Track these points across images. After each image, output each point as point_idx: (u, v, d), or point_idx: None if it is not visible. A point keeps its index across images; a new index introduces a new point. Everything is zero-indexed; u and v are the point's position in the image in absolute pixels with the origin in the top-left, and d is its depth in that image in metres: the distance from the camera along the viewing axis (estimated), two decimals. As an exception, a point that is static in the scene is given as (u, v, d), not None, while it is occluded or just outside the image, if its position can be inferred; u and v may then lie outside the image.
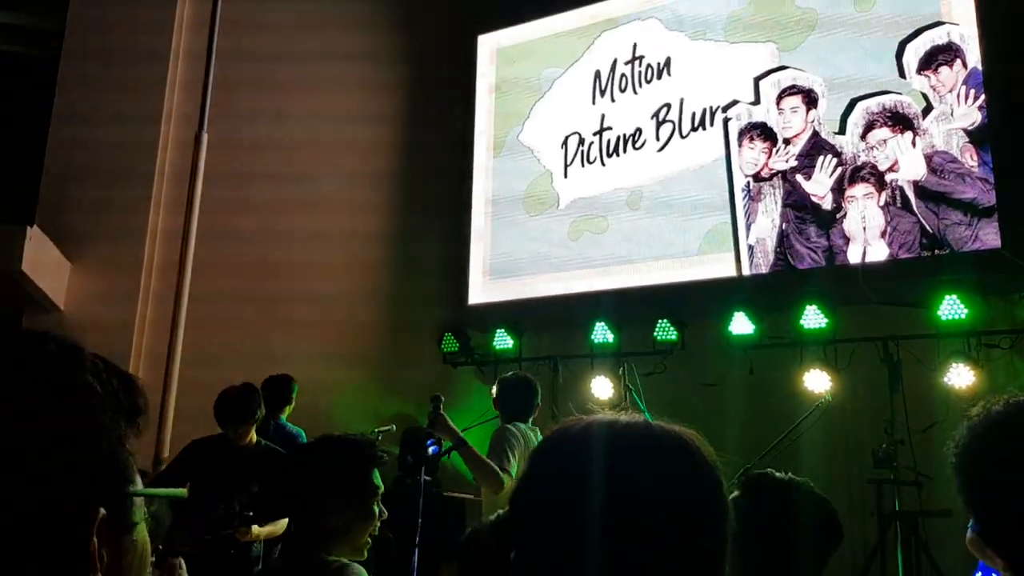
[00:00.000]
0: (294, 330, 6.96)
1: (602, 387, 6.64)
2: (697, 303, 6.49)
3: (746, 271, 6.31)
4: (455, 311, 7.49)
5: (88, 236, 6.62)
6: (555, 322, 7.11)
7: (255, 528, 4.19)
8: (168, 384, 6.48)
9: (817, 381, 5.84)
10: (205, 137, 6.73)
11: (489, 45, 7.87)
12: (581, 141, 7.23)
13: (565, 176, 7.25)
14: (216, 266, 6.80)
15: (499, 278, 7.35)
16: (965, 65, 5.88)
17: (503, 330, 7.15)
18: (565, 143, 7.30)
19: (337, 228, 7.38)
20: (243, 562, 4.21)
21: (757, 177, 6.41)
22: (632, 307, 6.68)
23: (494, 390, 4.66)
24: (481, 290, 7.40)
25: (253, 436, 4.56)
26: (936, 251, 5.72)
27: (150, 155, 6.85)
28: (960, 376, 5.53)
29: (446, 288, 7.57)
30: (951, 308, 5.63)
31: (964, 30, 5.91)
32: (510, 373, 4.82)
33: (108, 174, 6.71)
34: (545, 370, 7.08)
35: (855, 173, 6.05)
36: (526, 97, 7.59)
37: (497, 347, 7.18)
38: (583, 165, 7.18)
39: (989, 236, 5.60)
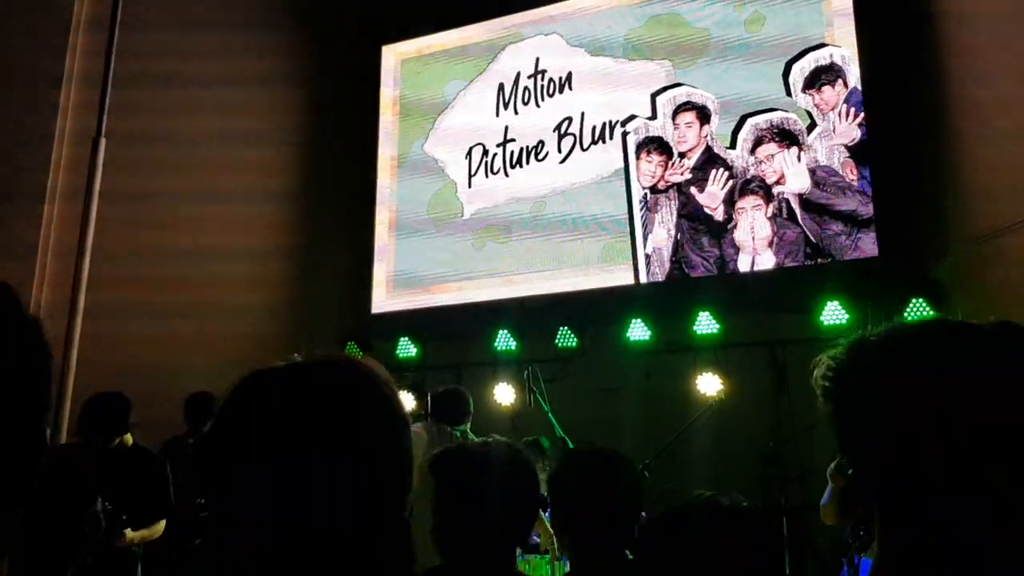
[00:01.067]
0: (195, 345, 6.81)
1: (505, 394, 6.72)
2: (596, 311, 6.65)
3: (643, 279, 6.51)
4: (359, 321, 7.47)
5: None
6: (459, 331, 7.16)
7: (129, 532, 4.10)
8: (63, 397, 6.25)
9: (709, 385, 6.06)
10: (101, 152, 6.53)
11: (393, 56, 7.93)
12: (485, 152, 7.34)
13: (469, 186, 7.35)
14: (112, 282, 6.60)
15: (403, 288, 7.37)
16: (846, 85, 6.23)
17: (406, 339, 7.16)
18: (469, 154, 7.40)
19: (238, 244, 7.26)
20: (126, 565, 4.12)
21: (654, 189, 6.63)
22: (534, 315, 6.80)
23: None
24: (385, 300, 7.40)
25: (129, 439, 4.46)
26: (819, 260, 6.03)
27: (43, 172, 6.64)
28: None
29: (350, 299, 7.54)
30: (833, 314, 5.94)
31: (845, 52, 6.27)
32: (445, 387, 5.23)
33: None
34: (448, 378, 7.12)
35: (745, 186, 6.33)
36: (430, 108, 7.67)
37: (400, 355, 7.19)
38: (487, 176, 7.30)
39: (868, 246, 5.93)
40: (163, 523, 4.39)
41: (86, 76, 6.81)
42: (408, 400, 7.01)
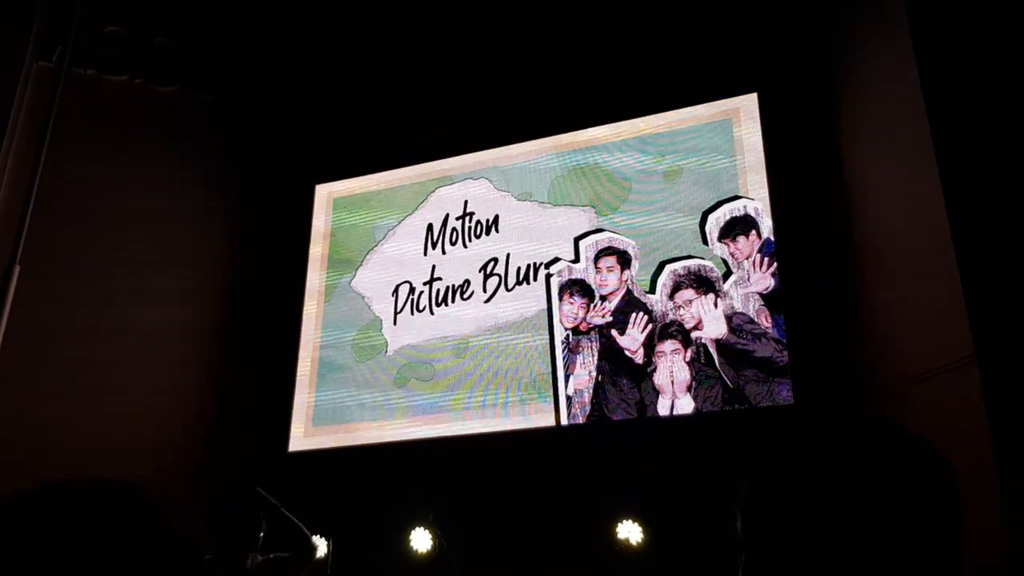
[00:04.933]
0: (103, 466, 6.50)
1: (421, 541, 6.50)
2: (518, 451, 6.54)
3: (564, 421, 6.46)
4: (275, 460, 7.23)
5: None
6: (377, 471, 6.96)
7: None
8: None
9: (629, 532, 5.95)
10: (14, 281, 6.39)
11: (325, 194, 8.05)
12: (412, 290, 7.38)
13: (395, 323, 7.33)
14: (16, 428, 6.33)
15: (322, 424, 7.20)
16: (760, 235, 6.46)
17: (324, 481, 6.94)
18: (396, 291, 7.42)
19: (153, 381, 7.09)
20: None
21: (576, 330, 6.69)
22: (454, 455, 6.66)
23: None
24: (303, 438, 7.21)
25: None
26: (736, 406, 6.07)
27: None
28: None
29: (268, 437, 7.32)
30: (750, 461, 5.91)
31: (759, 204, 6.54)
32: None
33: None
34: (364, 520, 6.88)
35: (664, 330, 6.42)
36: (360, 245, 7.73)
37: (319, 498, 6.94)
38: (412, 313, 7.30)
39: (783, 393, 6.00)
40: None
41: (8, 208, 6.74)
42: (322, 547, 6.73)
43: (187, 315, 7.48)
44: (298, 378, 7.38)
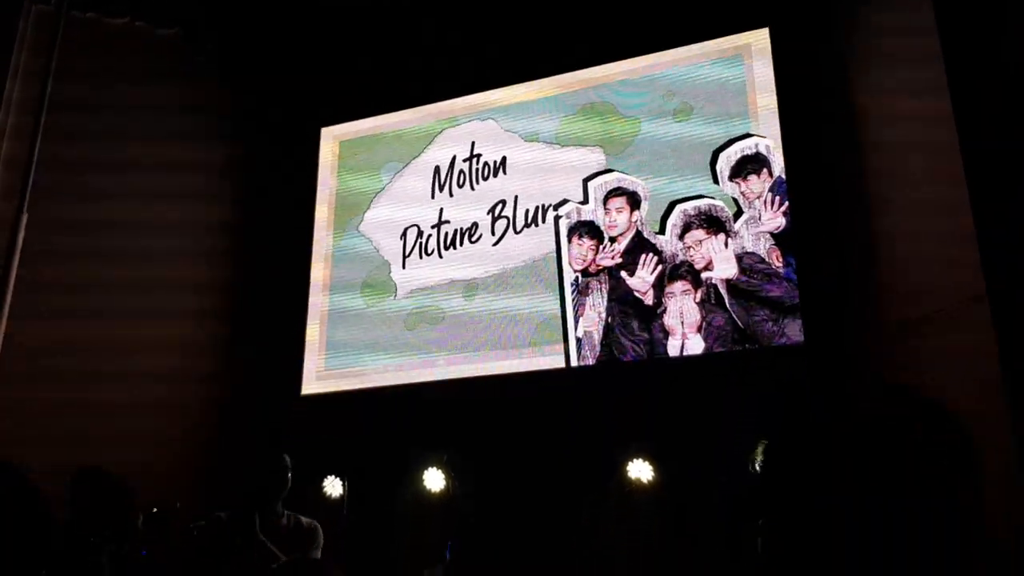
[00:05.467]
0: (113, 432, 6.55)
1: (434, 480, 6.59)
2: (529, 394, 6.59)
3: (574, 363, 6.48)
4: (288, 405, 7.30)
5: None
6: (389, 413, 7.03)
7: None
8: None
9: (640, 471, 6.02)
10: (22, 231, 6.36)
11: (331, 138, 7.97)
12: (420, 233, 7.35)
13: (403, 267, 7.32)
14: (25, 375, 6.37)
15: (334, 369, 7.25)
16: (771, 174, 6.39)
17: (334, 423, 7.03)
18: (404, 235, 7.40)
19: (165, 334, 7.10)
20: None
21: (585, 272, 6.67)
22: (466, 397, 6.71)
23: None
24: (315, 382, 7.26)
25: None
26: (747, 345, 6.07)
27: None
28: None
29: (280, 382, 7.38)
30: (763, 398, 5.95)
31: (770, 142, 6.45)
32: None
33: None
34: (377, 461, 6.98)
35: (674, 271, 6.40)
36: (367, 188, 7.68)
37: (329, 440, 7.04)
38: (421, 257, 7.28)
39: (794, 332, 6.00)
40: None
41: (11, 159, 6.68)
42: (337, 486, 6.84)
43: (194, 263, 7.48)
44: (309, 322, 7.40)
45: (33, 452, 5.98)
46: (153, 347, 6.97)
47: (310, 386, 7.24)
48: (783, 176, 6.36)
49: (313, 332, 7.38)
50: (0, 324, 6.04)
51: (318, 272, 7.55)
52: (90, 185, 7.05)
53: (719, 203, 6.45)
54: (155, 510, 3.82)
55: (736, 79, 6.69)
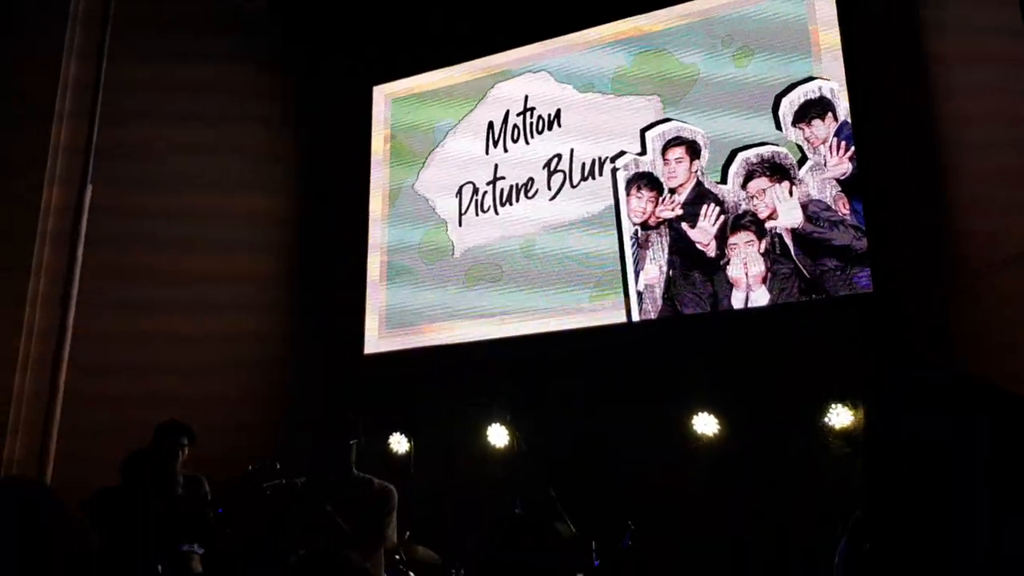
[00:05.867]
0: (181, 402, 6.68)
1: (497, 436, 6.62)
2: (589, 349, 6.55)
3: (635, 317, 6.42)
4: (351, 364, 7.38)
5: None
6: (450, 371, 7.06)
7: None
8: (47, 437, 6.14)
9: (705, 425, 5.96)
10: (88, 197, 6.46)
11: (383, 97, 7.92)
12: (475, 190, 7.30)
13: (460, 225, 7.29)
14: (97, 333, 6.49)
15: (395, 328, 7.30)
16: (836, 118, 6.18)
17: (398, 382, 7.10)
18: (460, 192, 7.35)
19: (227, 295, 7.18)
20: None
21: (645, 225, 6.57)
22: (526, 354, 6.70)
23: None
24: (377, 340, 7.32)
25: None
26: (814, 296, 5.94)
27: (31, 215, 6.59)
28: (839, 416, 5.72)
29: (342, 342, 7.46)
30: (829, 351, 5.84)
31: (834, 85, 6.22)
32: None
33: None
34: (441, 419, 7.04)
35: (736, 221, 6.26)
36: (421, 147, 7.64)
37: (392, 398, 7.13)
38: (477, 214, 7.24)
39: (863, 281, 5.84)
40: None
41: (76, 112, 6.77)
42: (401, 442, 6.93)
43: (255, 232, 7.54)
44: (369, 282, 7.44)
45: (114, 411, 6.17)
46: (221, 308, 7.08)
47: (372, 345, 7.31)
48: (849, 120, 6.14)
49: (373, 292, 7.42)
50: (69, 315, 6.15)
51: (375, 233, 7.57)
52: (149, 146, 7.11)
53: (782, 150, 6.27)
54: (250, 468, 3.85)
55: (797, 17, 6.44)
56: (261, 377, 7.25)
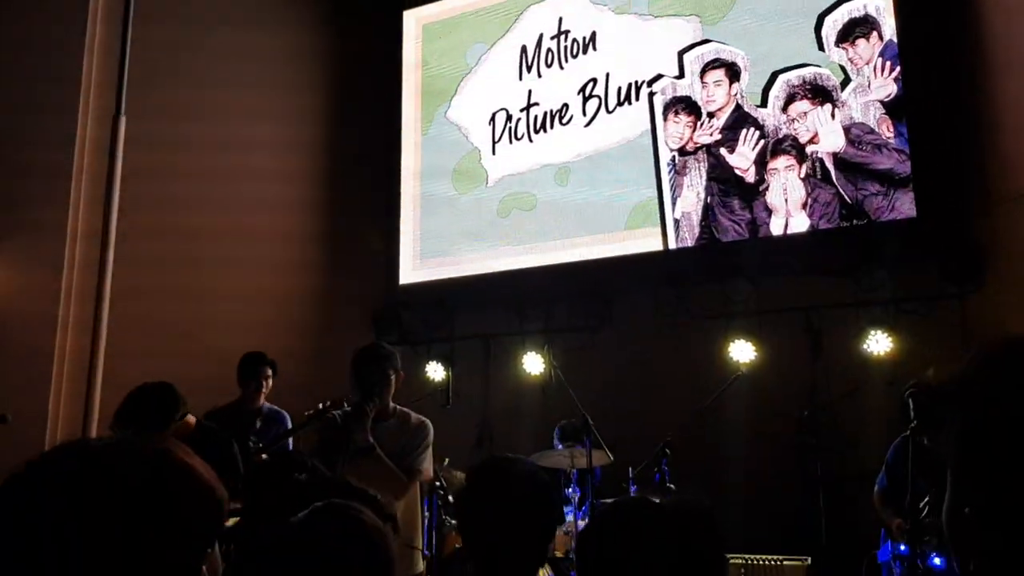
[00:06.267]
0: (221, 328, 6.78)
1: (533, 364, 6.66)
2: (625, 278, 6.53)
3: (672, 245, 6.36)
4: (387, 294, 7.42)
5: (6, 217, 6.40)
6: (485, 300, 7.08)
7: None
8: (92, 380, 6.27)
9: (742, 352, 5.94)
10: (122, 131, 6.43)
11: (414, 22, 7.77)
12: (509, 117, 7.19)
13: (493, 153, 7.22)
14: (137, 264, 6.56)
15: (429, 258, 7.30)
16: (881, 38, 5.97)
17: (434, 309, 7.14)
18: (493, 120, 7.25)
19: (263, 224, 7.22)
20: None
21: (682, 151, 6.45)
22: (561, 283, 6.69)
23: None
24: (411, 271, 7.34)
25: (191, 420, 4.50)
26: (855, 221, 5.83)
27: (67, 148, 6.62)
28: (879, 343, 5.67)
29: (377, 272, 7.49)
30: (869, 277, 5.77)
31: (880, 2, 6.00)
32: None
33: (23, 167, 6.48)
34: (477, 348, 7.09)
35: (777, 146, 6.12)
36: (453, 73, 7.52)
37: (428, 326, 7.17)
38: (511, 142, 7.15)
39: (905, 206, 5.72)
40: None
41: (107, 49, 6.74)
42: (438, 371, 6.99)
43: (288, 161, 7.52)
44: (402, 213, 7.42)
45: (155, 337, 6.28)
46: (257, 238, 7.13)
47: (407, 275, 7.32)
48: (895, 39, 5.93)
49: (407, 223, 7.41)
50: (108, 247, 6.17)
51: (408, 162, 7.51)
52: (180, 77, 7.08)
53: (825, 71, 6.08)
54: (321, 405, 3.86)
55: (842, -67, 6.18)
56: (296, 308, 7.31)
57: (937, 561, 3.11)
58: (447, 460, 5.49)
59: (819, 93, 6.06)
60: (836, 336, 5.88)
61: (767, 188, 6.09)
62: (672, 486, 4.87)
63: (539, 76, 7.14)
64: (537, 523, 1.96)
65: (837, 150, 5.94)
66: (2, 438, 4.66)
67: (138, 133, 6.54)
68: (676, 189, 6.41)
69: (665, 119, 6.54)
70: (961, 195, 5.79)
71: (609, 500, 1.47)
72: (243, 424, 4.76)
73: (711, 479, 5.50)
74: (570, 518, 5.06)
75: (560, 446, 5.44)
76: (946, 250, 5.71)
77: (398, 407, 3.86)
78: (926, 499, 3.01)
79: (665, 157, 6.49)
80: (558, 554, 5.14)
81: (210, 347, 6.42)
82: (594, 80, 6.89)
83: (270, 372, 5.03)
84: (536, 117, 7.08)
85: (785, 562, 4.85)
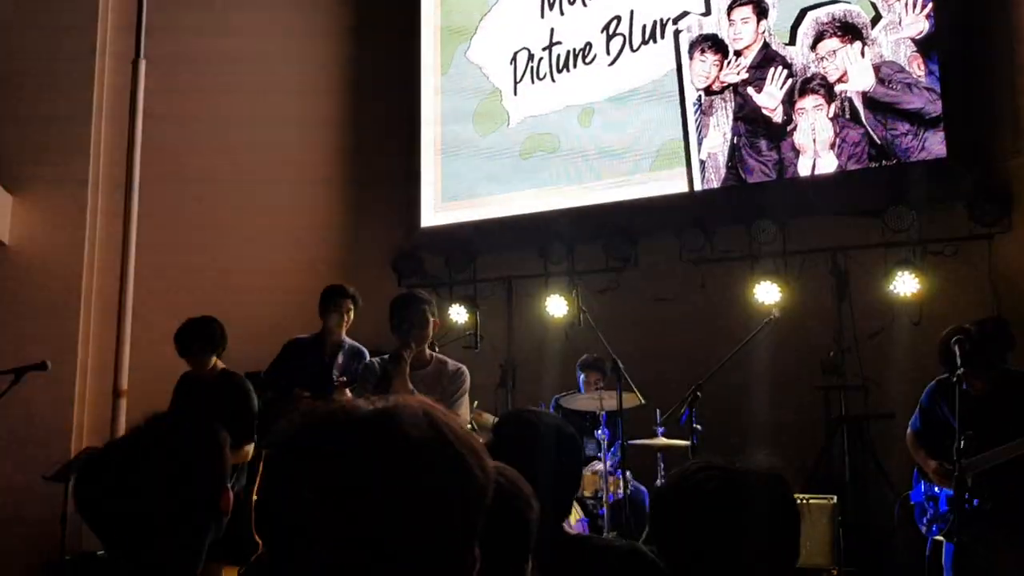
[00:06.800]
0: (242, 272, 6.81)
1: (557, 306, 6.68)
2: (650, 219, 6.51)
3: (698, 186, 6.32)
4: (409, 238, 7.42)
5: (28, 168, 6.39)
6: (508, 243, 7.08)
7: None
8: (122, 315, 6.32)
9: (767, 293, 5.94)
10: (142, 75, 6.35)
11: (433, -43, 7.61)
12: (530, 57, 7.09)
13: (515, 93, 7.13)
14: (161, 210, 6.54)
15: (451, 201, 7.28)
16: (913, -28, 5.83)
17: (456, 252, 7.16)
18: (514, 59, 7.15)
19: (283, 169, 7.18)
20: None
21: (708, 90, 6.37)
22: (585, 225, 6.68)
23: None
24: (433, 214, 7.32)
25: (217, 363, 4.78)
26: (884, 162, 5.78)
27: (87, 88, 6.55)
28: (905, 284, 5.66)
29: (399, 216, 7.47)
30: (897, 218, 5.73)
31: (913, -65, 5.84)
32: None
33: (46, 107, 6.44)
34: (500, 291, 7.11)
35: (805, 85, 6.03)
36: (473, 12, 7.39)
37: (450, 269, 7.20)
38: (533, 82, 7.06)
39: (935, 146, 5.65)
40: (251, 446, 4.56)
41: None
42: (460, 313, 7.02)
43: (307, 105, 7.44)
44: (423, 155, 7.37)
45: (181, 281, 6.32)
46: (278, 182, 7.10)
47: (429, 218, 7.31)
48: (928, -27, 5.79)
49: (427, 166, 7.36)
50: (133, 172, 6.15)
51: (428, 104, 7.43)
52: (203, 18, 6.98)
53: (855, 8, 5.96)
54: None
55: None
56: (317, 251, 7.32)
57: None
58: (476, 403, 5.55)
59: (849, 30, 5.95)
60: (862, 277, 5.88)
61: (795, 128, 6.03)
62: (699, 427, 4.92)
63: (561, 14, 7.02)
64: (564, 476, 1.99)
65: (866, 89, 5.86)
66: (38, 385, 4.75)
67: (157, 80, 6.48)
68: (702, 130, 6.34)
69: (691, 58, 6.44)
70: (992, 135, 5.72)
71: (686, 465, 1.43)
72: (323, 357, 4.86)
73: (735, 419, 5.55)
74: (599, 463, 5.14)
75: (581, 376, 5.71)
76: (975, 191, 5.66)
77: (435, 354, 3.90)
78: (956, 443, 3.05)
79: (691, 97, 6.40)
80: (586, 494, 5.24)
81: (234, 290, 6.47)
82: (618, 18, 6.77)
83: (351, 305, 4.97)
84: (559, 56, 6.98)
85: (811, 501, 4.92)
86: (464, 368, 3.86)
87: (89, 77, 6.56)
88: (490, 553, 0.90)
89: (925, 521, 3.47)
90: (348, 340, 4.99)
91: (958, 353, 3.06)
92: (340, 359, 4.85)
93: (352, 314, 4.95)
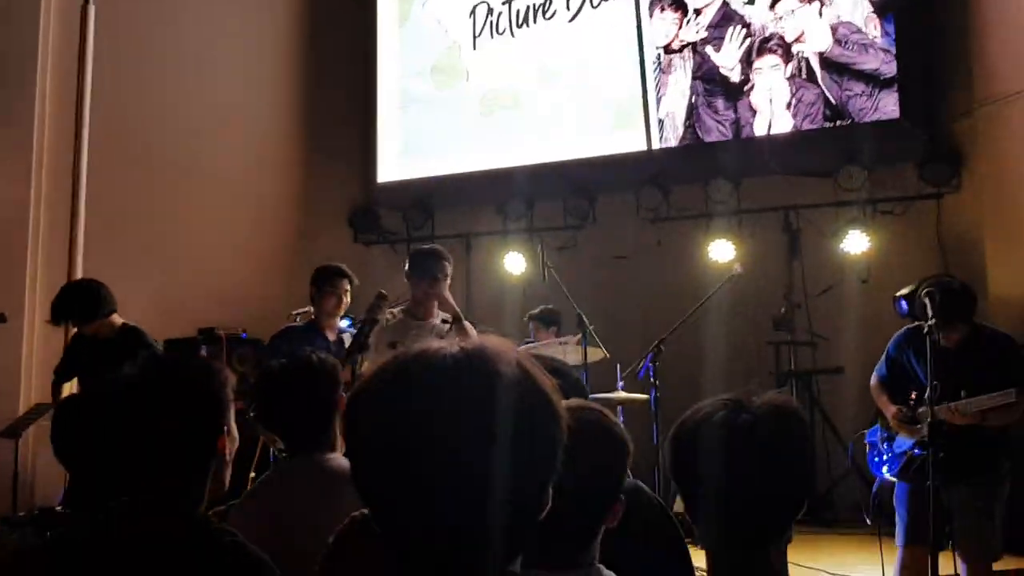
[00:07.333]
0: (198, 218, 6.69)
1: (515, 263, 6.69)
2: (608, 177, 6.53)
3: (656, 145, 6.35)
4: (367, 194, 7.36)
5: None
6: (467, 200, 7.06)
7: None
8: (71, 272, 6.19)
9: (722, 251, 6.02)
10: (92, 22, 6.15)
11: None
12: (490, 11, 7.01)
13: (474, 48, 7.07)
14: (111, 166, 6.38)
15: (409, 157, 7.22)
16: (871, -67, 5.87)
17: (413, 209, 7.12)
18: (473, 13, 7.07)
19: (239, 112, 7.03)
20: None
21: (668, 49, 6.38)
22: (544, 182, 6.68)
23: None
24: (391, 168, 7.26)
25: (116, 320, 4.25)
26: (838, 122, 5.86)
27: (32, 30, 6.33)
28: (855, 242, 5.78)
29: (356, 173, 7.40)
30: (849, 177, 5.83)
31: None
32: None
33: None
34: (458, 248, 7.09)
35: (763, 44, 6.07)
36: (432, -36, 7.28)
37: (408, 226, 7.16)
38: (492, 36, 7.00)
39: (888, 107, 5.74)
40: None
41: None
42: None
43: (264, 63, 7.26)
44: (380, 110, 7.28)
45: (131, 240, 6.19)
46: (231, 138, 6.96)
47: (387, 174, 7.25)
48: (885, -66, 5.83)
49: (385, 121, 7.28)
50: (83, 120, 5.99)
51: (385, 58, 7.33)
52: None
53: (814, -33, 5.99)
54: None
55: None
56: (271, 207, 7.21)
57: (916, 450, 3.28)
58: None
59: (807, -10, 5.98)
60: (813, 236, 5.98)
61: (752, 88, 6.07)
62: (656, 382, 5.01)
63: (521, -32, 6.94)
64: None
65: (823, 50, 5.91)
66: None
67: (104, 25, 6.29)
68: (661, 88, 6.36)
69: (651, 15, 6.44)
70: (944, 97, 5.82)
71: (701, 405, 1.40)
72: (329, 342, 4.27)
73: (687, 373, 5.64)
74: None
75: (531, 327, 5.78)
76: (925, 151, 5.78)
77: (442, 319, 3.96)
78: (927, 391, 3.17)
79: (650, 55, 6.41)
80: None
81: (188, 251, 6.37)
82: (578, -27, 6.72)
83: (348, 286, 4.43)
84: (518, 11, 6.92)
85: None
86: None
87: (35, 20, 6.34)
88: None
89: (876, 461, 3.60)
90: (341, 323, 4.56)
91: (929, 305, 3.15)
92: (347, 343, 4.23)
93: (349, 296, 4.43)
